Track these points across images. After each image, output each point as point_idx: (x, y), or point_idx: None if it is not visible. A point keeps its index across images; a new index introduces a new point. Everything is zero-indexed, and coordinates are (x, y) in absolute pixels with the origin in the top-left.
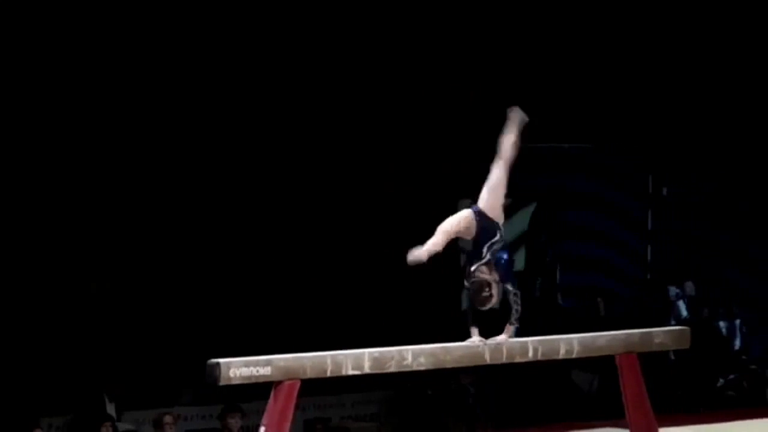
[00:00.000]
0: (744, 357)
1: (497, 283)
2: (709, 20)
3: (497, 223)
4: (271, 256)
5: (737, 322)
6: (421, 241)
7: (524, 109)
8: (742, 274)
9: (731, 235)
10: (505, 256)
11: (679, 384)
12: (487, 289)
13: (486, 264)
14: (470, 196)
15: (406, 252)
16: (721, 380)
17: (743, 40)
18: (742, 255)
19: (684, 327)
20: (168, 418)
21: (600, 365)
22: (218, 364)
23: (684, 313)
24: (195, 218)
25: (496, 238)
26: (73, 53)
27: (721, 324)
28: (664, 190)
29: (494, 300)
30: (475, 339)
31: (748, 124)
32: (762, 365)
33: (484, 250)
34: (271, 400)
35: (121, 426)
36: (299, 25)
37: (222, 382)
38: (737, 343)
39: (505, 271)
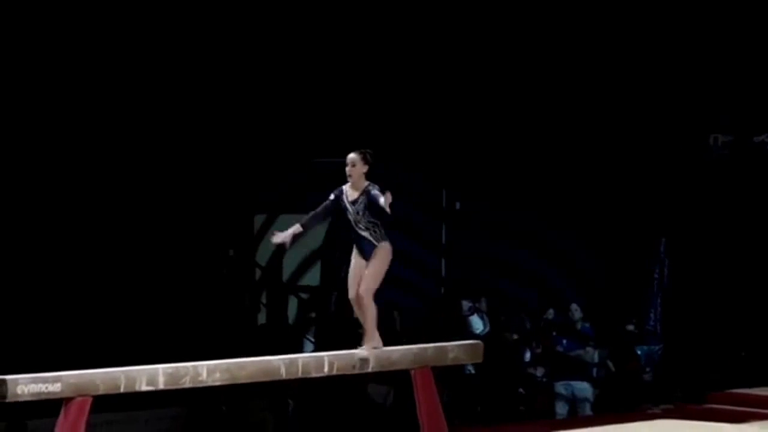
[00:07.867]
0: (533, 371)
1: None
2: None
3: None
4: (63, 272)
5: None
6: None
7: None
8: (531, 290)
9: (519, 250)
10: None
11: (477, 397)
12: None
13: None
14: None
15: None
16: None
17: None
18: (530, 270)
19: (477, 341)
20: None
21: (395, 378)
22: (4, 380)
23: (480, 327)
24: None
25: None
26: None
27: (514, 337)
28: (457, 205)
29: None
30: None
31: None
32: (550, 379)
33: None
34: (60, 418)
35: None
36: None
37: (9, 399)
38: (527, 357)
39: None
